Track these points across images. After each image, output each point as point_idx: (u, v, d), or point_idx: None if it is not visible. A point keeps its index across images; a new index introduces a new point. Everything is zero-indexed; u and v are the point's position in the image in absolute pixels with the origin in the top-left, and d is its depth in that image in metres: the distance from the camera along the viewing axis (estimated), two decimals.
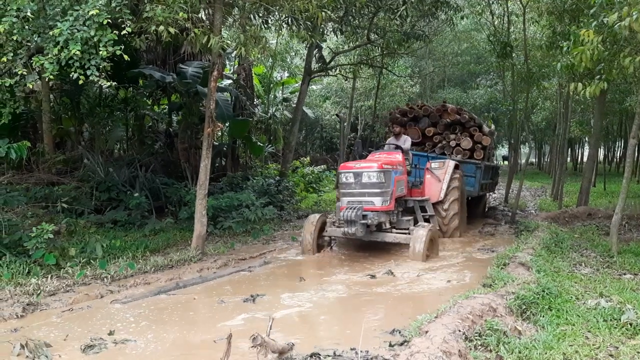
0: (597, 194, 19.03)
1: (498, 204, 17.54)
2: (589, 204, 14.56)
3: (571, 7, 10.29)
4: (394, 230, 8.70)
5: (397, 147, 9.80)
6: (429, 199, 9.93)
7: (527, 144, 22.23)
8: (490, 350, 4.04)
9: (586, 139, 28.57)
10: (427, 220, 9.53)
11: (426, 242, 7.97)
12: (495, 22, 16.92)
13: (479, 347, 4.06)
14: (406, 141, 10.16)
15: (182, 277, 7.07)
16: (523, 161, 31.30)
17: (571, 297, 5.55)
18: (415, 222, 9.15)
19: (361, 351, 4.18)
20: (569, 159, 31.47)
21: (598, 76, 7.38)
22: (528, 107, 17.72)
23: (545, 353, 4.03)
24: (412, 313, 5.22)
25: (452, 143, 12.37)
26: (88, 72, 6.15)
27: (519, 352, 4.01)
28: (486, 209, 15.02)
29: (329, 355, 4.19)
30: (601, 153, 33.52)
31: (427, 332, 4.04)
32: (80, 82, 6.27)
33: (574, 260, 7.76)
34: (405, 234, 8.50)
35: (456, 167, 10.70)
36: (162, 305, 5.91)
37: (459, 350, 3.76)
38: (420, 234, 8.11)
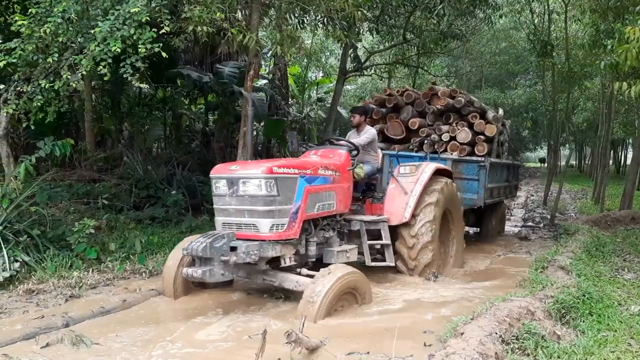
0: None
1: (536, 206, 17.17)
2: (633, 208, 14.13)
3: (615, 4, 9.97)
4: (303, 271, 5.57)
5: (354, 147, 6.78)
6: (387, 219, 6.69)
7: (567, 145, 21.67)
8: (528, 354, 3.95)
9: (630, 140, 27.70)
10: (379, 253, 6.73)
11: (328, 299, 4.86)
12: (536, 21, 16.54)
13: (516, 350, 3.98)
14: (366, 134, 7.13)
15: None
16: (563, 163, 30.63)
17: (613, 303, 5.37)
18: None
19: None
20: (611, 161, 30.52)
21: None
22: (569, 107, 17.29)
23: (586, 359, 3.92)
24: None
25: (446, 136, 9.34)
26: (122, 70, 6.28)
27: (558, 357, 3.91)
28: (505, 221, 11.98)
29: (361, 354, 4.17)
30: None
31: (462, 333, 3.98)
32: (125, 76, 6.38)
33: (616, 265, 7.52)
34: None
35: (444, 173, 7.55)
36: None
37: (496, 353, 3.69)
38: (320, 284, 4.95)
